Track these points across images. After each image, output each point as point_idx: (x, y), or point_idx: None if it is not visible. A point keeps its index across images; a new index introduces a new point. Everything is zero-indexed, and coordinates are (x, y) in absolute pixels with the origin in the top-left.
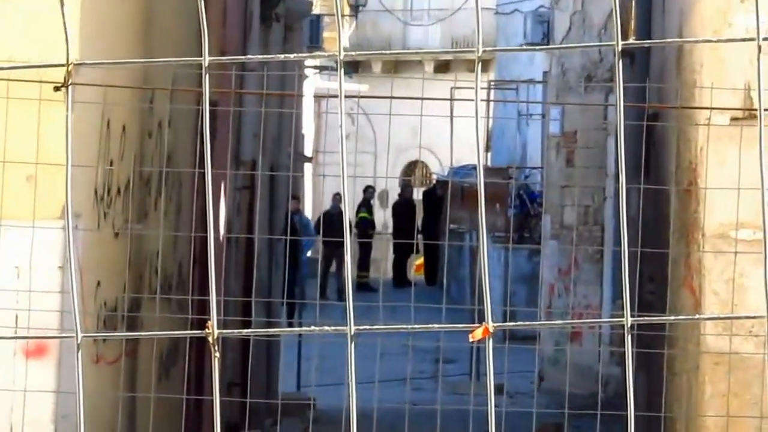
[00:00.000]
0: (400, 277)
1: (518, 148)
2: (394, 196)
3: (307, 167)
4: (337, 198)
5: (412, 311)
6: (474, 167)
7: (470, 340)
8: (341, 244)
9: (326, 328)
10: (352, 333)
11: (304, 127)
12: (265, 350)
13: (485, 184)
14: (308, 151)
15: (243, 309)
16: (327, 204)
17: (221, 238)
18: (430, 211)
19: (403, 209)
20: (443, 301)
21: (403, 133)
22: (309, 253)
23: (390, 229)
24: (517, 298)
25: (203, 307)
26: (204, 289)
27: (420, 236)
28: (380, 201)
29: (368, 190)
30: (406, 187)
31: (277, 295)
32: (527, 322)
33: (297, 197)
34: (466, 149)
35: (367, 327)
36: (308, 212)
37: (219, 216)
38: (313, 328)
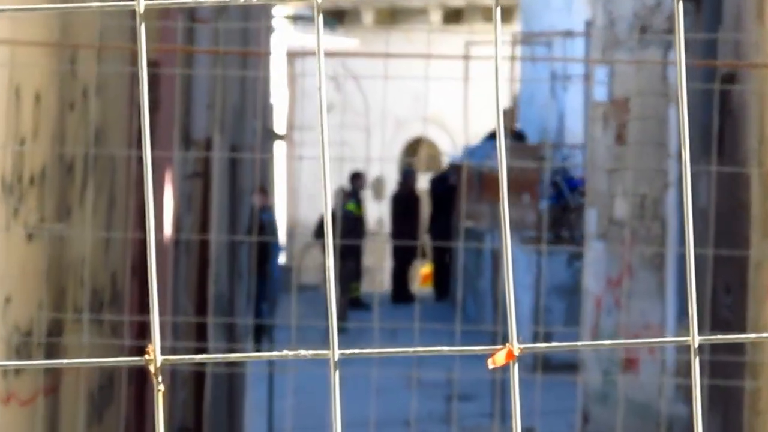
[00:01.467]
0: (400, 290)
1: (553, 121)
2: (392, 186)
3: (279, 147)
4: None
5: (416, 333)
6: (495, 146)
7: (490, 366)
8: (343, 252)
9: (303, 352)
10: (336, 359)
11: (274, 96)
12: (226, 386)
13: (510, 168)
14: (279, 127)
15: (197, 331)
16: (303, 197)
17: (166, 240)
18: (439, 205)
19: (404, 203)
20: (457, 320)
21: (403, 103)
22: (282, 260)
23: (387, 229)
24: (553, 315)
25: (144, 330)
26: (144, 307)
27: (426, 237)
28: (374, 191)
29: (357, 178)
30: (407, 174)
31: (240, 314)
32: (563, 344)
33: (265, 189)
34: (484, 122)
35: (356, 351)
36: (280, 207)
37: (163, 212)
38: (286, 352)
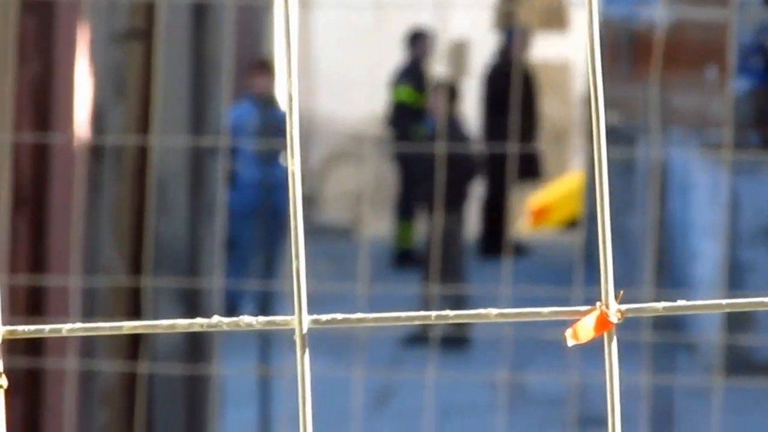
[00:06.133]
0: (491, 237)
1: None
2: (483, 54)
3: None
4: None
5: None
6: None
7: (569, 341)
8: (424, 172)
9: (258, 319)
10: (304, 331)
11: None
12: (186, 403)
13: (678, 20)
14: None
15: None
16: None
17: (76, 143)
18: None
19: (505, 83)
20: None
21: None
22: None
23: (470, 129)
24: (759, 274)
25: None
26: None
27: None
28: (453, 61)
29: (418, 41)
30: (513, 36)
31: (204, 273)
32: (697, 303)
33: (264, 62)
34: None
35: (329, 317)
36: (281, 93)
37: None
38: (239, 319)
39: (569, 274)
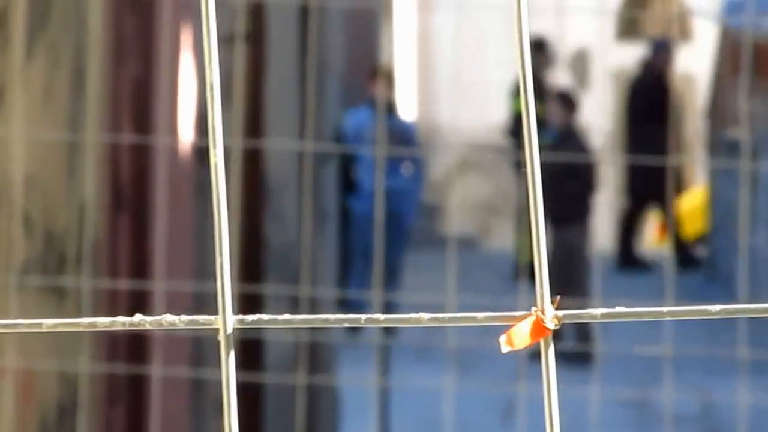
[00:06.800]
0: (627, 250)
1: None
2: (624, 66)
3: None
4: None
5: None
6: None
7: (503, 347)
8: (544, 183)
9: (181, 318)
10: (229, 331)
11: None
12: (301, 412)
13: None
14: None
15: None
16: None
17: (181, 148)
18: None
19: (650, 99)
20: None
21: None
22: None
23: (603, 142)
24: None
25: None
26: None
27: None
28: (576, 74)
29: (542, 49)
30: (661, 48)
31: (323, 282)
32: (634, 309)
33: (376, 69)
34: None
35: (259, 317)
36: (406, 96)
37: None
38: (161, 318)
39: (694, 287)
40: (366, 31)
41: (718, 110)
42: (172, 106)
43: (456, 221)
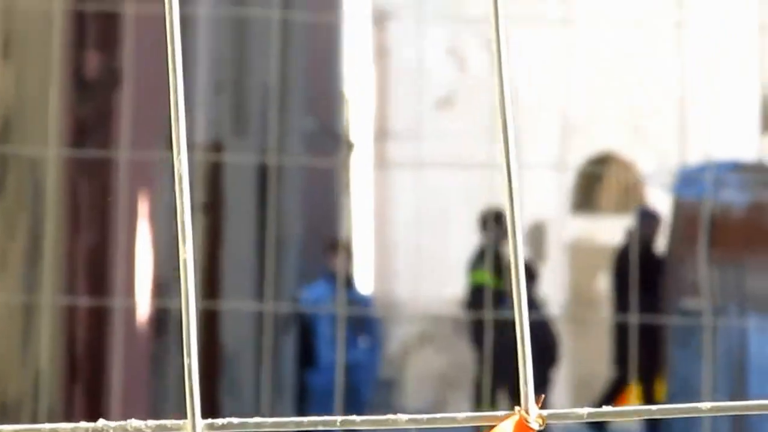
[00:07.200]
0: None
1: None
2: (561, 236)
3: (359, 165)
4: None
5: None
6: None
7: None
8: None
9: (148, 423)
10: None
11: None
12: None
13: None
14: (356, 125)
15: None
16: (407, 252)
17: (144, 311)
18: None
19: (641, 273)
20: None
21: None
22: (373, 368)
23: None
24: None
25: None
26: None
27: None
28: (532, 244)
29: (492, 221)
30: (647, 217)
31: None
32: (616, 408)
33: (335, 242)
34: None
35: (229, 421)
36: (364, 270)
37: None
38: (127, 423)
39: None
40: (324, 202)
41: (673, 281)
42: (129, 270)
43: (412, 395)
